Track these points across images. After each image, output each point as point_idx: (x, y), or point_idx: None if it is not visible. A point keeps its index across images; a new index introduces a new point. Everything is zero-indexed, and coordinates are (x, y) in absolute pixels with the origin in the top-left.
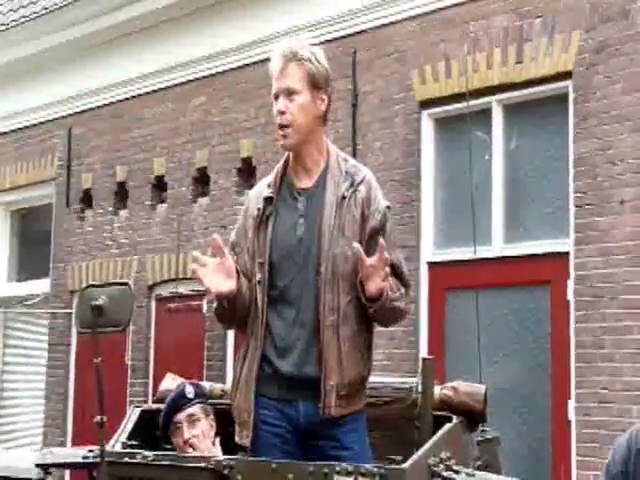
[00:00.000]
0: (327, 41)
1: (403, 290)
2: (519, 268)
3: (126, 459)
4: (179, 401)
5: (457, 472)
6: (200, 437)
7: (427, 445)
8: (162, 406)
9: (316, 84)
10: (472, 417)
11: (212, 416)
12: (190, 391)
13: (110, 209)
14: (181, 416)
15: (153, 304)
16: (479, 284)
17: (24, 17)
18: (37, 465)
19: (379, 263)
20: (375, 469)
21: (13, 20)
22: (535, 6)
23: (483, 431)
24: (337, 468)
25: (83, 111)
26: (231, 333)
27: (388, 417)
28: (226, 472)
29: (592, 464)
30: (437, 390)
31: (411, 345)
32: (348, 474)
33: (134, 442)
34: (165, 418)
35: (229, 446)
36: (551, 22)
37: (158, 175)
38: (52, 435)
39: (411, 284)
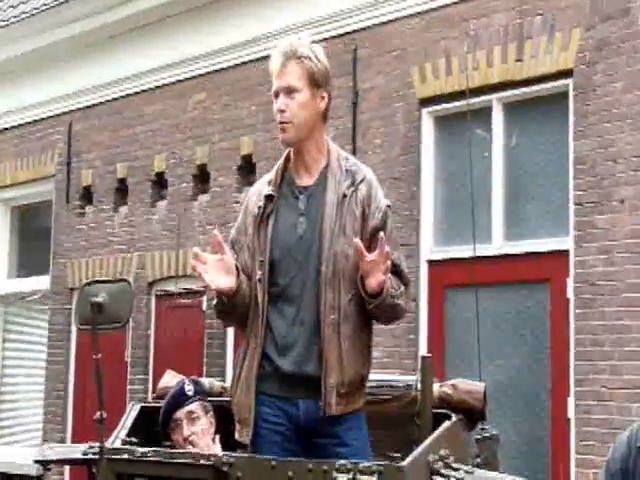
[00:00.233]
0: (327, 38)
1: (403, 288)
2: (519, 266)
3: (125, 455)
4: (178, 398)
5: (456, 470)
6: (199, 434)
7: (426, 442)
8: (162, 403)
9: (316, 82)
10: (471, 415)
11: (212, 413)
12: (190, 388)
13: (110, 206)
14: (180, 413)
15: (153, 301)
16: (479, 282)
17: (24, 13)
18: (36, 461)
19: (380, 257)
20: (374, 466)
21: (13, 16)
22: (535, 4)
23: (482, 429)
24: (336, 465)
25: (83, 108)
26: (231, 330)
27: (387, 415)
28: (226, 469)
29: (591, 462)
30: (436, 388)
31: (411, 343)
32: (347, 471)
33: (134, 438)
34: (164, 415)
35: (229, 443)
36: (551, 20)
37: (158, 172)
38: (52, 431)
39: (411, 282)
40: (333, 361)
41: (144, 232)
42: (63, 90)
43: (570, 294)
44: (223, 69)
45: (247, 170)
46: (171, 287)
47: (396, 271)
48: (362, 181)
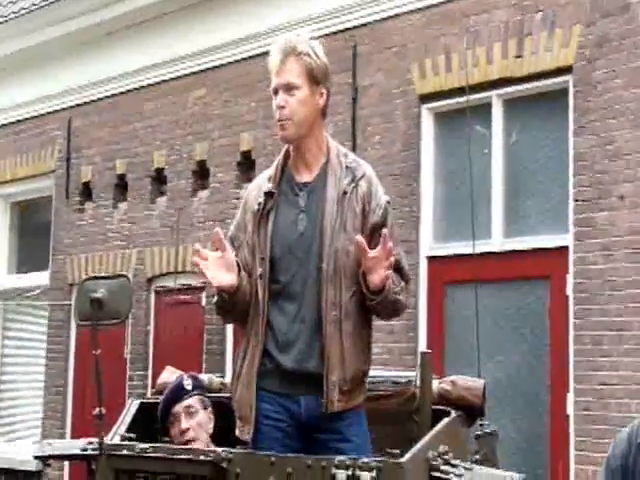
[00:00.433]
0: (327, 34)
1: (404, 284)
2: (518, 263)
3: (125, 451)
4: (177, 392)
5: (455, 466)
6: (197, 428)
7: (425, 439)
8: (160, 399)
9: (315, 79)
10: (470, 411)
11: (211, 409)
12: (188, 383)
13: (110, 202)
14: (179, 407)
15: (152, 297)
16: (478, 279)
17: (23, 9)
18: (36, 457)
19: (382, 254)
20: (373, 462)
21: (12, 12)
22: (535, 0)
23: (481, 425)
24: (336, 461)
25: (83, 104)
26: (230, 326)
27: (387, 411)
28: (225, 465)
29: (591, 459)
30: (436, 384)
31: (410, 339)
32: (346, 467)
33: (133, 434)
34: (163, 409)
35: (228, 439)
36: (551, 16)
37: (158, 168)
38: (51, 427)
39: (411, 278)
40: (335, 358)
41: (143, 228)
42: (63, 86)
43: (570, 291)
44: (223, 65)
45: (247, 166)
46: (170, 283)
47: (397, 267)
48: (362, 177)
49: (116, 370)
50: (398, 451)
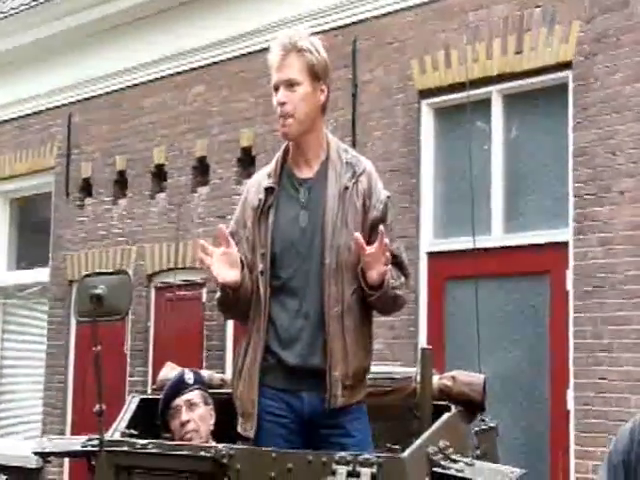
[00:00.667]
0: (327, 30)
1: (403, 279)
2: (518, 258)
3: (125, 447)
4: (178, 385)
5: (455, 461)
6: (198, 421)
7: (426, 434)
8: (161, 395)
9: (316, 75)
10: (471, 407)
11: (212, 406)
12: (190, 377)
13: (109, 198)
14: (180, 400)
15: (152, 293)
16: (478, 274)
17: (23, 5)
18: (36, 453)
19: (379, 250)
20: (374, 458)
21: (12, 8)
22: None
23: (482, 421)
24: (336, 457)
25: (83, 100)
26: (231, 322)
27: (387, 406)
28: (225, 461)
29: (591, 454)
30: (436, 380)
31: (410, 335)
32: (347, 463)
33: (133, 431)
34: (164, 402)
35: (228, 435)
36: (551, 12)
37: (158, 164)
38: (51, 424)
39: (411, 273)
40: (338, 354)
41: (143, 224)
42: (62, 82)
43: (569, 286)
44: (223, 61)
45: (247, 162)
46: (170, 279)
47: (396, 262)
48: (362, 173)
49: (116, 366)
50: (399, 446)
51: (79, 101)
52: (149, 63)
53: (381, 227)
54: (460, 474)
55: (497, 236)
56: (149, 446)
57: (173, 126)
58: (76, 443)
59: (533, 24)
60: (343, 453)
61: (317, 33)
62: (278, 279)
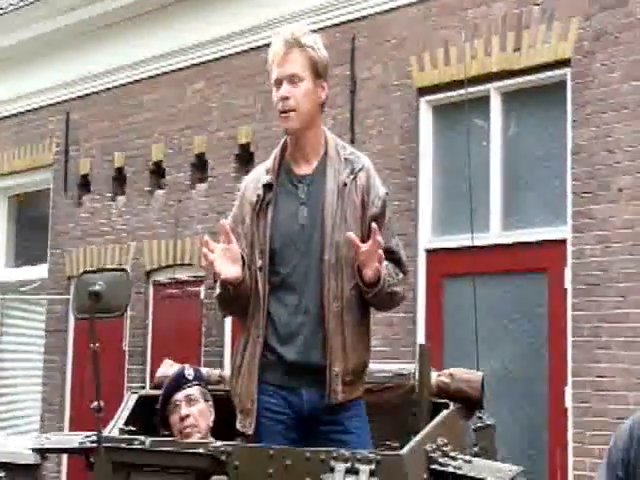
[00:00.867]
0: (326, 27)
1: (401, 275)
2: (516, 255)
3: (123, 445)
4: (178, 380)
5: (454, 458)
6: (197, 416)
7: (424, 432)
8: (159, 392)
9: (318, 72)
10: (469, 404)
11: (211, 403)
12: (190, 373)
13: (108, 195)
14: (179, 395)
15: (151, 290)
16: (477, 271)
17: (22, 1)
18: (34, 450)
19: (373, 247)
20: (372, 455)
21: (11, 4)
22: None
23: (480, 418)
24: (334, 454)
25: (81, 96)
26: (229, 319)
27: (385, 403)
28: (223, 458)
29: (589, 451)
30: (434, 377)
31: (409, 332)
32: (345, 460)
33: (131, 428)
34: (164, 397)
35: (227, 432)
36: (550, 9)
37: (156, 161)
38: (49, 421)
39: (409, 270)
40: (337, 349)
41: (142, 221)
42: (61, 79)
43: (567, 283)
44: (221, 58)
45: (245, 159)
46: (169, 276)
47: (394, 259)
48: (361, 170)
49: (114, 363)
50: (397, 444)
51: (78, 98)
52: (148, 59)
53: (374, 225)
54: (458, 471)
55: (495, 233)
56: (147, 443)
57: (172, 123)
58: (74, 440)
59: (532, 22)
60: (341, 450)
61: (316, 30)
62: (277, 275)
